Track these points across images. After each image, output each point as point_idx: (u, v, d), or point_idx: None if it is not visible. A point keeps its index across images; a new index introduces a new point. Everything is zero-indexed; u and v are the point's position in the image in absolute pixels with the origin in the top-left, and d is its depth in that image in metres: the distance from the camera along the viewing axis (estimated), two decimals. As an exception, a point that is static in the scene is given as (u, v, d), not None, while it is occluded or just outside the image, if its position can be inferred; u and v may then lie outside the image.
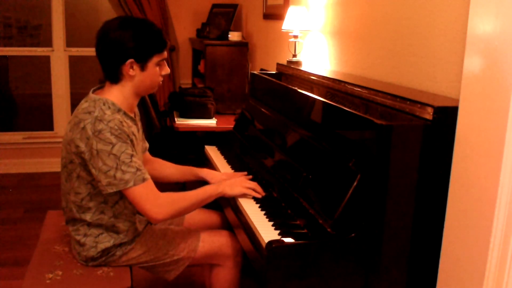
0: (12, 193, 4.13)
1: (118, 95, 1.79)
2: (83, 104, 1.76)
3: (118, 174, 1.67)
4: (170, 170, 2.20)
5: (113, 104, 1.76)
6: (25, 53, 5.39)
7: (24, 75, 6.53)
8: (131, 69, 1.75)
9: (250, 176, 2.07)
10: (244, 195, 1.92)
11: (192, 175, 2.20)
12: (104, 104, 1.74)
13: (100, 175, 1.68)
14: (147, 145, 2.14)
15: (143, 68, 1.77)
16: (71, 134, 1.73)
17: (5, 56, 5.88)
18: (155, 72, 1.81)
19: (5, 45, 6.01)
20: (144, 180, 1.70)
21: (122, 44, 1.72)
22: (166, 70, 1.85)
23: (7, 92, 6.32)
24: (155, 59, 1.79)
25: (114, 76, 1.78)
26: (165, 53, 1.83)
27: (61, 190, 1.86)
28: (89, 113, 1.71)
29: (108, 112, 1.71)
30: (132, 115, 1.86)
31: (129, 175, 1.68)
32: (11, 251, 3.10)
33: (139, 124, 1.97)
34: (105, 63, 1.78)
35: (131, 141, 1.73)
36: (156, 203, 1.73)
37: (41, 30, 6.39)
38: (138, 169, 1.70)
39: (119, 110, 1.77)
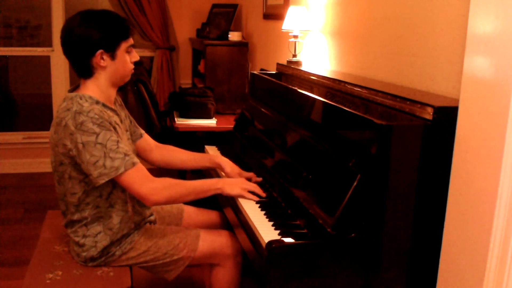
0: (12, 193, 4.13)
1: (94, 89, 1.80)
2: (62, 104, 1.77)
3: (108, 163, 1.68)
4: (182, 156, 2.19)
5: (90, 97, 1.77)
6: (25, 53, 5.38)
7: (24, 75, 6.52)
8: (102, 60, 1.77)
9: (260, 179, 2.08)
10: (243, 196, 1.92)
11: (207, 161, 2.19)
12: (81, 99, 1.75)
13: (90, 168, 1.69)
14: (141, 131, 2.13)
15: (113, 57, 1.78)
16: (56, 136, 1.74)
17: (5, 56, 5.87)
18: (126, 59, 1.82)
19: (5, 45, 6.00)
20: (134, 164, 1.71)
21: (88, 37, 1.73)
22: (135, 56, 1.86)
23: (7, 92, 6.31)
24: (123, 46, 1.80)
25: (86, 71, 1.79)
26: (132, 40, 1.84)
27: (56, 194, 1.86)
28: (68, 110, 1.72)
29: (86, 104, 1.73)
30: (113, 106, 1.87)
31: (118, 162, 1.68)
32: (11, 251, 3.10)
33: (123, 113, 1.97)
34: (75, 60, 1.79)
35: (114, 128, 1.74)
36: (150, 186, 1.73)
37: (41, 30, 6.39)
38: (126, 154, 1.70)
39: (97, 102, 1.78)
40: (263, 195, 1.91)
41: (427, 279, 1.53)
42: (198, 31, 4.59)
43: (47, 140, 5.18)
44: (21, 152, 4.65)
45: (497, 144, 1.25)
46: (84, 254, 1.84)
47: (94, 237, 1.83)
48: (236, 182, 1.93)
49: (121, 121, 1.89)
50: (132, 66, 1.86)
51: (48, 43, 4.69)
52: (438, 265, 1.49)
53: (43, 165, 4.64)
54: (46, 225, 2.19)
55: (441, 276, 1.48)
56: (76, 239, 1.84)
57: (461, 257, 1.39)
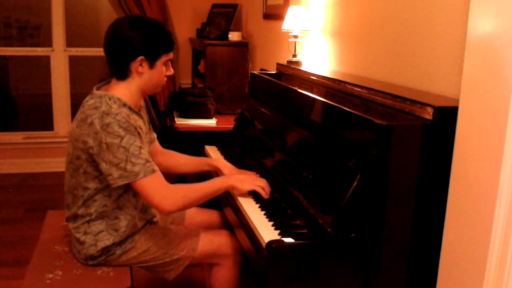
0: (12, 193, 4.13)
1: (125, 91, 1.82)
2: (89, 101, 1.78)
3: (128, 166, 1.69)
4: (183, 160, 2.23)
5: (119, 99, 1.78)
6: (25, 53, 5.39)
7: (24, 75, 6.52)
8: (140, 66, 1.79)
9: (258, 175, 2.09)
10: (244, 195, 1.92)
11: (206, 164, 2.22)
12: (110, 99, 1.76)
13: (112, 168, 1.70)
14: (154, 135, 2.16)
15: (152, 66, 1.81)
16: (78, 130, 1.75)
17: (5, 56, 5.88)
18: (162, 71, 1.85)
19: (5, 45, 6.01)
20: (153, 171, 1.72)
21: (133, 41, 1.76)
22: (171, 71, 1.90)
23: (7, 92, 6.32)
24: (164, 59, 1.83)
25: (122, 73, 1.81)
26: (172, 54, 1.87)
27: (66, 186, 1.87)
28: (96, 108, 1.73)
29: (114, 106, 1.74)
30: (138, 110, 1.89)
31: (139, 167, 1.69)
32: (11, 251, 3.10)
33: (146, 117, 2.00)
34: (114, 59, 1.81)
35: (138, 133, 1.76)
36: (165, 195, 1.74)
37: (41, 30, 6.39)
38: (147, 161, 1.72)
39: (124, 105, 1.79)
40: (268, 196, 1.92)
41: (427, 279, 1.53)
42: (198, 31, 4.59)
43: (47, 140, 5.15)
44: (21, 152, 4.64)
45: (497, 144, 1.25)
46: (84, 251, 1.84)
47: (95, 236, 1.83)
48: (246, 178, 1.95)
49: (144, 123, 1.91)
50: (165, 79, 1.89)
51: (48, 43, 4.69)
52: (438, 265, 1.49)
53: (43, 165, 4.64)
54: (46, 225, 2.19)
55: (441, 276, 1.48)
56: (77, 235, 1.84)
57: (461, 257, 1.39)
